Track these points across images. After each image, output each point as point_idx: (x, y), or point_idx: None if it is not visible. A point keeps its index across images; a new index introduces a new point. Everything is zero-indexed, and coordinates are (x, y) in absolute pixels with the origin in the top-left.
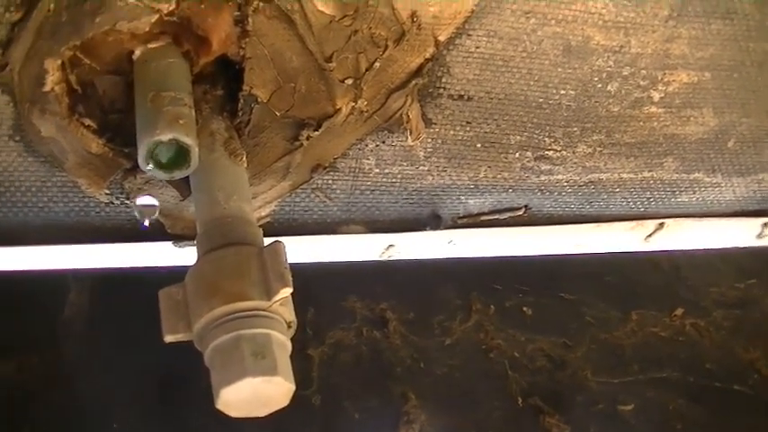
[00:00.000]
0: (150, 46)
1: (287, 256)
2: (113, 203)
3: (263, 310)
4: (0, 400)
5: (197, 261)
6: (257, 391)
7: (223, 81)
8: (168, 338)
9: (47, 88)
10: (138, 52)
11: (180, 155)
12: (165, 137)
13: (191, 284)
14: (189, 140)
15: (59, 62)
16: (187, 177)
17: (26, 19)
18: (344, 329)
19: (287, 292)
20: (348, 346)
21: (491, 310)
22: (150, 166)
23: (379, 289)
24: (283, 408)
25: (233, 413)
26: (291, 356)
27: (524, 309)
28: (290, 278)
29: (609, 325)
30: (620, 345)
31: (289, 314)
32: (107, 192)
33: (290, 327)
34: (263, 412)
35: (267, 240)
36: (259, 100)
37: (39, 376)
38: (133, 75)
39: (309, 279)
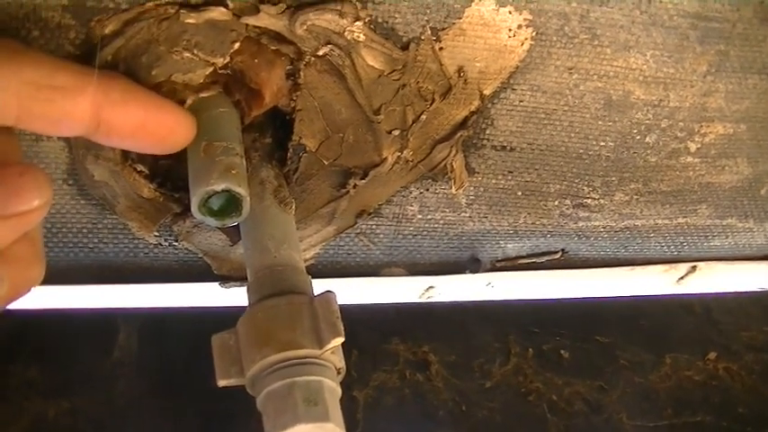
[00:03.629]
0: (202, 95)
1: (338, 306)
2: (162, 245)
3: (315, 358)
4: None
5: (249, 308)
6: None
7: (272, 129)
8: (221, 383)
9: None
10: (189, 101)
11: (231, 203)
12: (219, 187)
13: (243, 331)
14: (241, 190)
15: None
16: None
17: None
18: (388, 372)
19: (339, 341)
20: (392, 389)
21: (529, 354)
22: (202, 213)
23: (420, 332)
24: None
25: None
26: (339, 400)
27: (561, 352)
28: (342, 328)
29: (643, 368)
30: (655, 388)
31: (339, 361)
32: (156, 234)
33: (339, 373)
34: None
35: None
36: (308, 149)
37: (89, 418)
38: None
39: (353, 321)
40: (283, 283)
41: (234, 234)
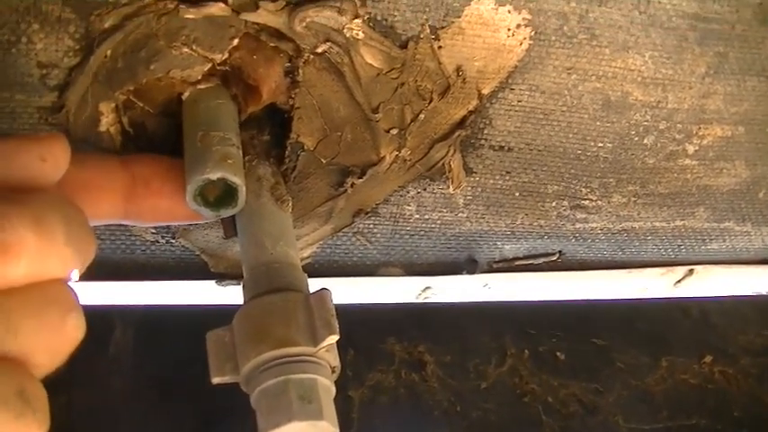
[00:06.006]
0: (200, 87)
1: (333, 304)
2: (159, 242)
3: (310, 356)
4: None
5: (244, 305)
6: None
7: (270, 127)
8: (216, 380)
9: (102, 129)
10: (187, 93)
11: (227, 194)
12: (215, 175)
13: (238, 328)
14: (237, 180)
15: (114, 105)
16: (233, 217)
17: (83, 64)
18: (383, 371)
19: (333, 339)
20: (387, 389)
21: (525, 355)
22: (197, 203)
23: (416, 332)
24: None
25: None
26: (334, 399)
27: (557, 353)
28: (337, 326)
29: (639, 371)
30: (651, 391)
31: (334, 359)
32: (153, 231)
33: (334, 371)
34: None
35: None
36: (306, 147)
37: (85, 414)
38: (181, 115)
39: (349, 320)
40: (279, 280)
41: (230, 227)
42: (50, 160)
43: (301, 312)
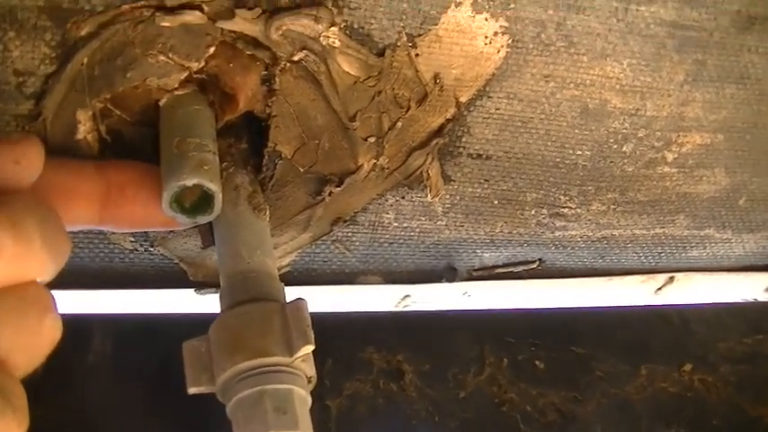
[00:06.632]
0: (177, 93)
1: (309, 314)
2: (137, 250)
3: (286, 366)
4: None
5: (220, 314)
6: None
7: (247, 135)
8: (192, 390)
9: (79, 137)
10: (164, 99)
11: (203, 200)
12: (190, 182)
13: (215, 338)
14: (213, 186)
15: (91, 113)
16: (211, 226)
17: (60, 72)
18: (362, 381)
19: (309, 349)
20: (365, 398)
21: (504, 364)
22: (173, 210)
23: (394, 340)
24: None
25: None
26: (311, 408)
27: (536, 362)
28: (312, 336)
29: (619, 380)
30: (630, 400)
31: (309, 369)
32: (132, 239)
33: (310, 381)
34: None
35: (287, 289)
36: (283, 156)
37: (63, 423)
38: (158, 123)
39: (328, 329)
40: (256, 290)
41: (208, 236)
42: (24, 163)
43: (277, 322)
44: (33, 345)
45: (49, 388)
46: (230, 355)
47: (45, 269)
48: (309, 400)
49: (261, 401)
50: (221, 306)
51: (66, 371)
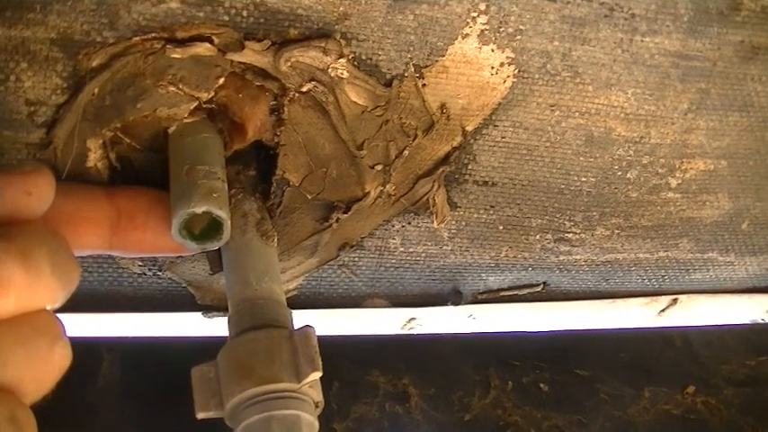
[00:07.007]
0: (186, 121)
1: (317, 340)
2: (146, 274)
3: (293, 392)
4: None
5: (229, 341)
6: None
7: (255, 162)
8: (200, 415)
9: (89, 164)
10: (173, 127)
11: (213, 227)
12: (200, 209)
13: (223, 364)
14: (222, 213)
15: (101, 141)
16: (219, 252)
17: (71, 102)
18: (368, 404)
19: (316, 375)
20: (371, 421)
21: (509, 386)
22: (183, 236)
23: (400, 363)
24: None
25: None
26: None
27: (541, 385)
28: (320, 362)
29: (622, 402)
30: (633, 422)
31: (317, 394)
32: (140, 263)
33: (317, 406)
34: None
35: (294, 312)
36: (291, 183)
37: None
38: (167, 150)
39: (334, 352)
40: (263, 317)
41: (216, 262)
42: (36, 194)
43: (285, 349)
44: (43, 372)
45: (59, 412)
46: (238, 380)
47: (55, 297)
48: (317, 425)
49: (269, 427)
50: (230, 332)
51: (76, 395)
